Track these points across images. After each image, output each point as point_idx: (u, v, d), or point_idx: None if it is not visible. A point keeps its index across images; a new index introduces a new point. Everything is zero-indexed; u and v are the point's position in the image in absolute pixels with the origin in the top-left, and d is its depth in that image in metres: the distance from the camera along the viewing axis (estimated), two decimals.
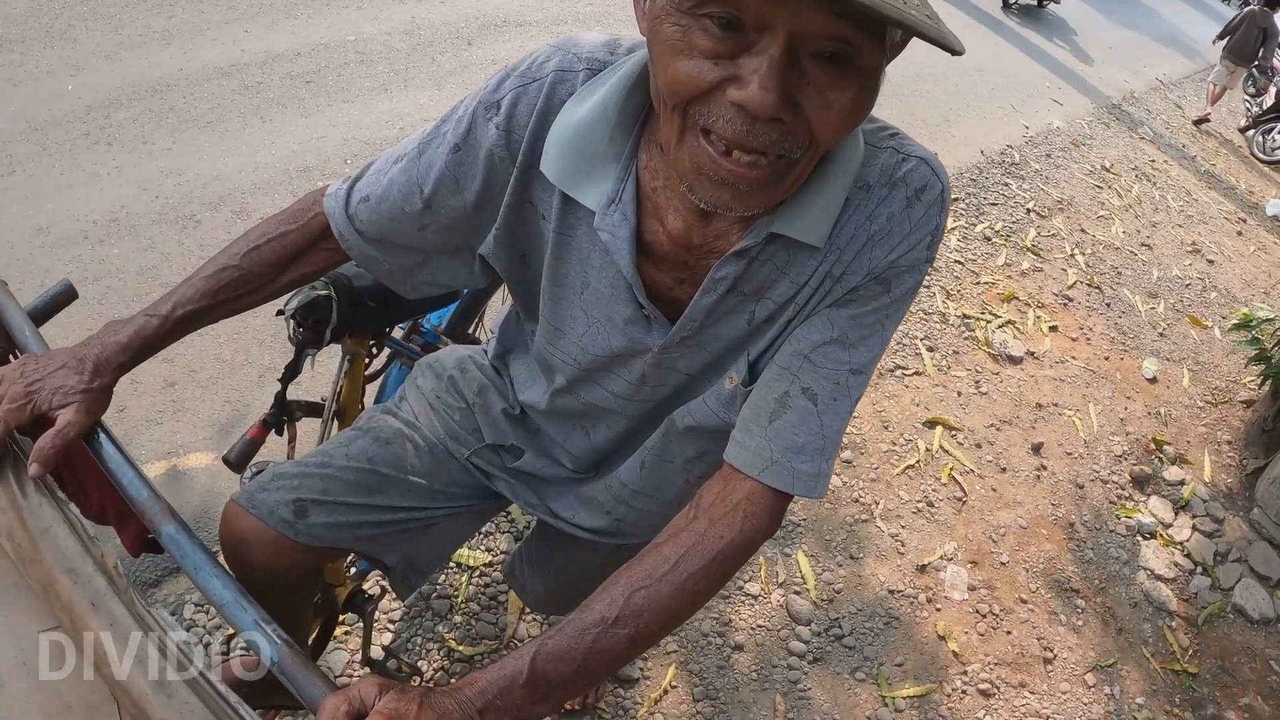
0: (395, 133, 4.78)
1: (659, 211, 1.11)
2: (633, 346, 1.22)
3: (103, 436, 1.17)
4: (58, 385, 1.16)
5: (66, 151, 3.96)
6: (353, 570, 2.13)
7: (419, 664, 2.45)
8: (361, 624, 2.22)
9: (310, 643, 1.97)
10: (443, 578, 2.68)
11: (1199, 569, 3.84)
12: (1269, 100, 12.64)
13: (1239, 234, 8.30)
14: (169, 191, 3.89)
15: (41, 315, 1.32)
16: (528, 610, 2.64)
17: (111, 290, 3.30)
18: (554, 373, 1.38)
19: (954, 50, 0.80)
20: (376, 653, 2.41)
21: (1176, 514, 4.12)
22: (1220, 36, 12.98)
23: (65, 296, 1.36)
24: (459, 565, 2.71)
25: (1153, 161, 9.24)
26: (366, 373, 2.11)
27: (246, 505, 1.41)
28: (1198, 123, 12.06)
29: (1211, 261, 7.27)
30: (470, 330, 2.41)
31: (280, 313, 1.73)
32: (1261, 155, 11.91)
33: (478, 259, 1.28)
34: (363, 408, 2.12)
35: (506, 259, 1.25)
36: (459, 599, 2.63)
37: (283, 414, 1.94)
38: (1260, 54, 12.69)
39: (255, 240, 1.30)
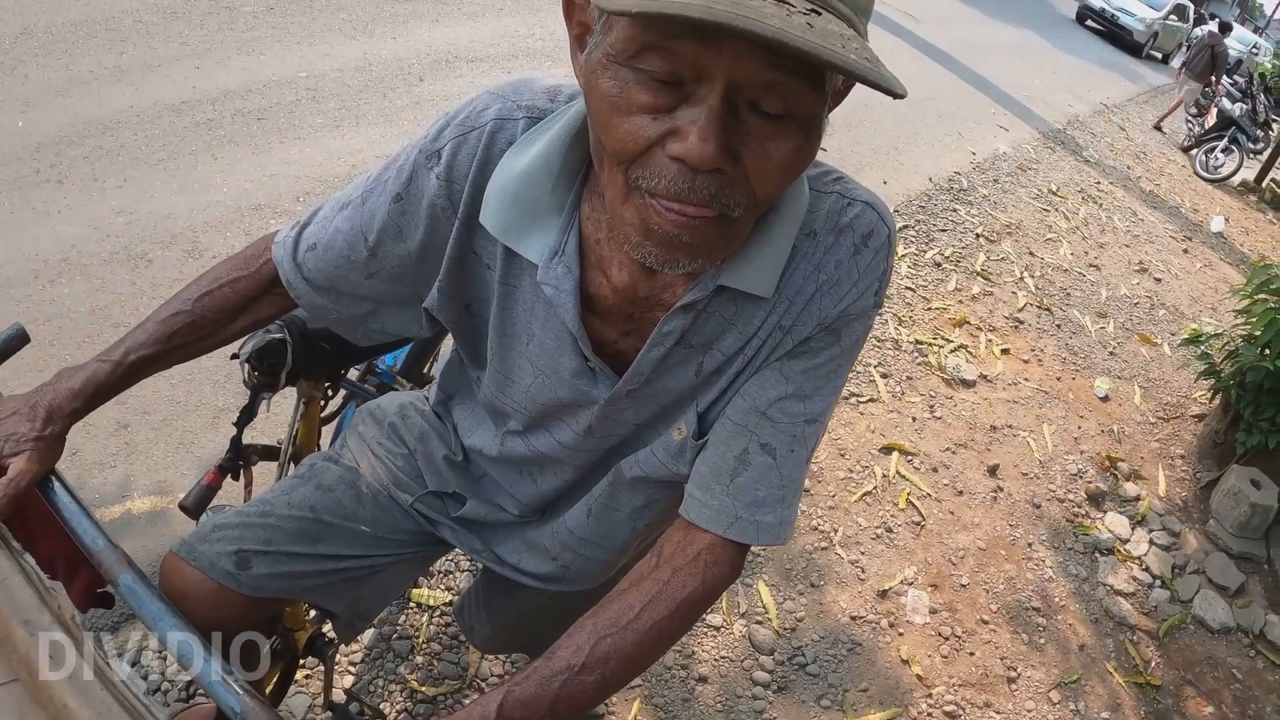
0: (347, 170, 4.77)
1: (603, 264, 1.10)
2: (579, 399, 1.21)
3: (57, 485, 1.15)
4: (9, 433, 1.14)
5: (17, 189, 3.92)
6: (312, 614, 2.09)
7: (381, 706, 2.42)
8: (323, 668, 2.20)
9: (271, 688, 1.94)
10: (403, 617, 2.66)
11: (1158, 582, 3.89)
12: (1210, 121, 12.94)
13: (1185, 251, 8.46)
14: (120, 230, 3.85)
15: None
16: None
17: (63, 331, 3.25)
18: (506, 418, 1.36)
19: (895, 94, 0.77)
20: (338, 696, 2.38)
21: (1133, 529, 4.17)
22: (1183, 66, 13.63)
23: (17, 341, 1.32)
24: (419, 605, 2.69)
25: (1098, 184, 9.43)
26: (322, 414, 2.09)
27: (187, 557, 1.38)
28: (1157, 126, 13.51)
29: (1159, 280, 7.40)
30: (425, 369, 2.40)
31: (235, 356, 1.71)
32: (1204, 174, 12.19)
33: (424, 312, 1.26)
34: (319, 449, 2.11)
35: (451, 310, 1.24)
36: (420, 639, 2.60)
37: (238, 459, 1.91)
38: (1212, 72, 13.17)
39: (208, 286, 1.29)
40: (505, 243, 1.10)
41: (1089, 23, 24.29)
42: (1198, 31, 16.19)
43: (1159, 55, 25.32)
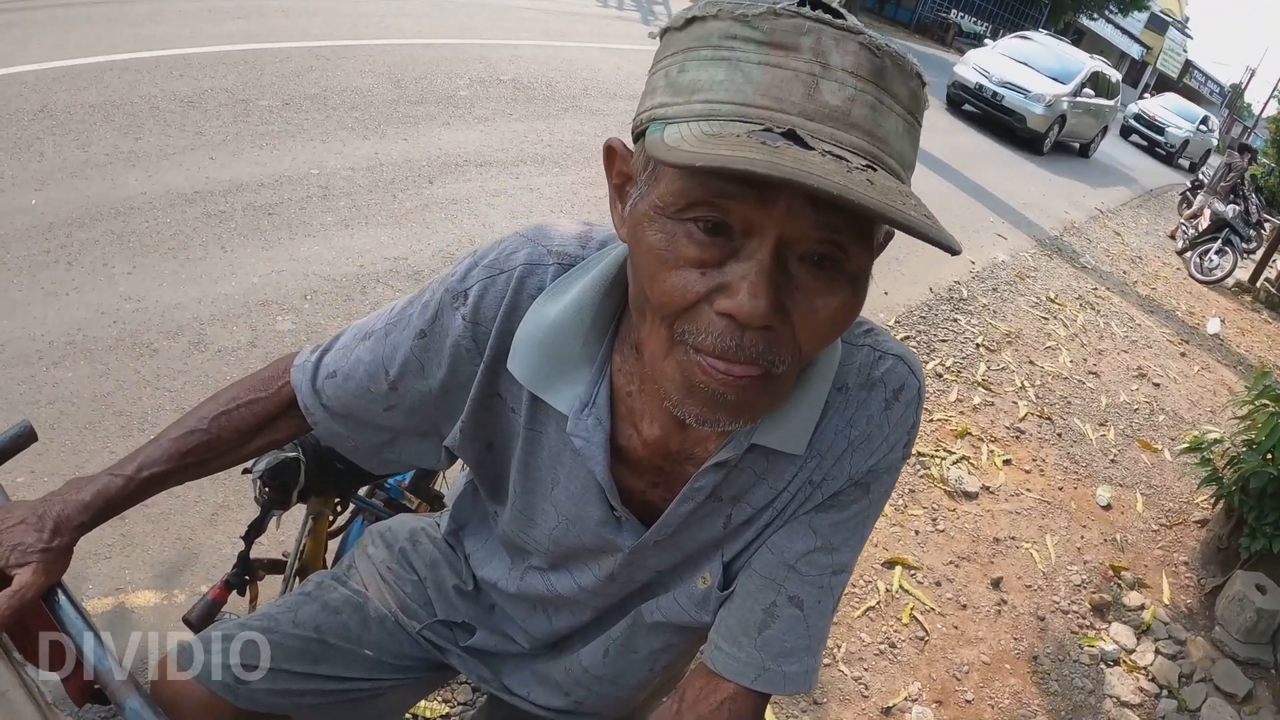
0: (355, 270, 4.80)
1: (634, 417, 1.08)
2: (603, 546, 1.19)
3: (62, 598, 1.13)
4: (15, 542, 1.11)
5: (26, 268, 3.95)
6: None
7: None
8: None
9: None
10: None
11: (1165, 692, 3.85)
12: (1204, 223, 13.09)
13: (1182, 355, 8.51)
14: (127, 317, 3.86)
15: None
16: None
17: (64, 415, 3.22)
18: (527, 555, 1.34)
19: (953, 250, 0.76)
20: None
21: (1139, 639, 4.15)
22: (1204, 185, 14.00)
23: (25, 439, 1.30)
24: (415, 717, 2.65)
25: (1095, 289, 9.51)
26: (330, 529, 2.09)
27: (185, 664, 1.32)
28: (1171, 235, 13.89)
29: (1158, 385, 7.44)
30: (433, 485, 2.37)
31: (247, 471, 1.70)
32: (1199, 276, 12.32)
33: (444, 448, 1.25)
34: (325, 564, 2.11)
35: (472, 450, 1.22)
36: None
37: (245, 573, 1.92)
38: (1233, 191, 13.43)
39: (224, 405, 1.28)
40: (534, 392, 1.08)
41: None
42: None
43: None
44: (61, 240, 4.23)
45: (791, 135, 0.75)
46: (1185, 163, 28.40)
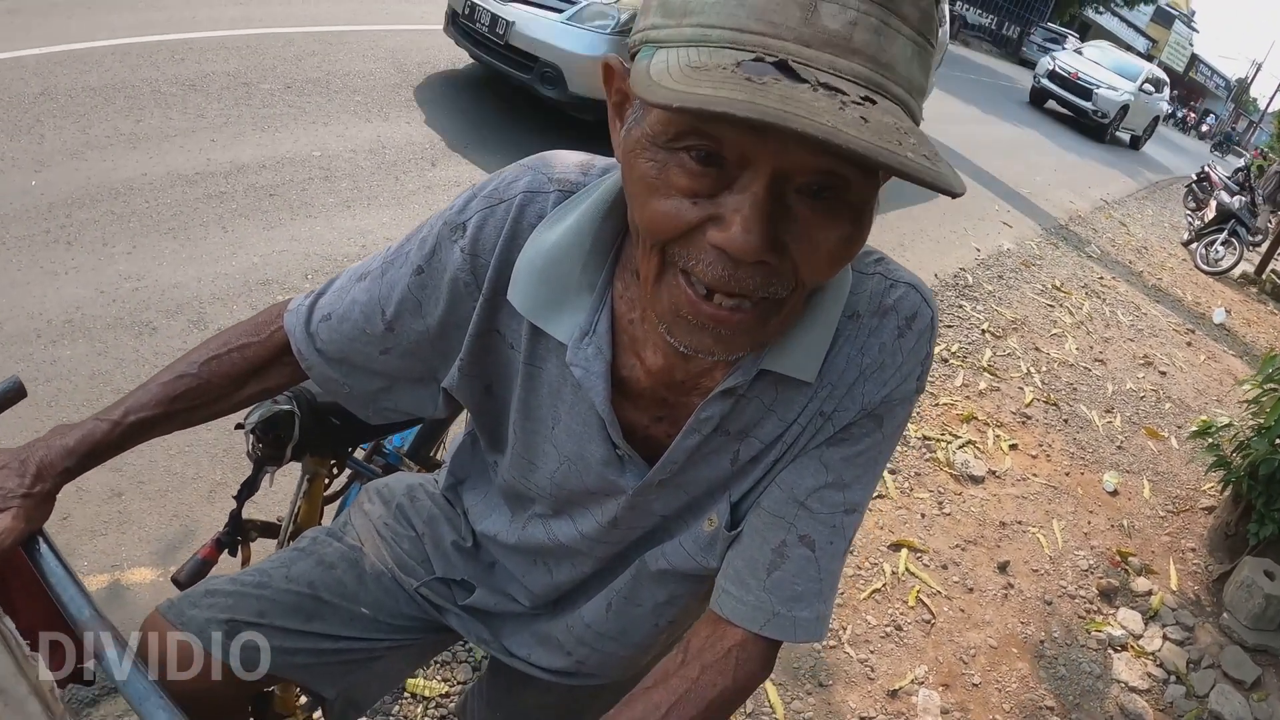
0: (356, 250, 4.79)
1: (636, 345, 1.05)
2: (606, 488, 1.15)
3: (44, 546, 1.09)
4: None
5: (25, 247, 3.94)
6: (303, 700, 1.93)
7: None
8: None
9: None
10: (397, 708, 2.59)
11: (1172, 678, 3.82)
12: (1209, 215, 13.07)
13: (1189, 344, 8.49)
14: (126, 296, 3.85)
15: None
16: None
17: (62, 393, 3.23)
18: (529, 503, 1.30)
19: (953, 193, 0.72)
20: None
21: (1146, 624, 4.12)
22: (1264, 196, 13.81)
23: (14, 394, 1.27)
24: (414, 696, 2.63)
25: (1101, 279, 9.49)
26: (326, 493, 2.04)
27: (174, 620, 1.28)
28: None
29: (1164, 373, 7.42)
30: (433, 453, 2.37)
31: (240, 426, 1.66)
32: (1205, 267, 12.30)
33: (442, 391, 1.22)
34: None
35: (470, 390, 1.19)
36: None
37: (237, 534, 1.86)
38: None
39: (215, 349, 1.24)
40: (533, 321, 1.06)
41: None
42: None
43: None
44: (61, 220, 4.22)
45: (783, 66, 0.70)
46: (1125, 135, 22.77)
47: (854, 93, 0.71)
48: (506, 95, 7.52)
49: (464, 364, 1.15)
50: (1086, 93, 21.13)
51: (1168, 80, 22.54)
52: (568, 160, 1.09)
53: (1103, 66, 22.17)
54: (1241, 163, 15.09)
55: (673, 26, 0.77)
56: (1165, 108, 25.68)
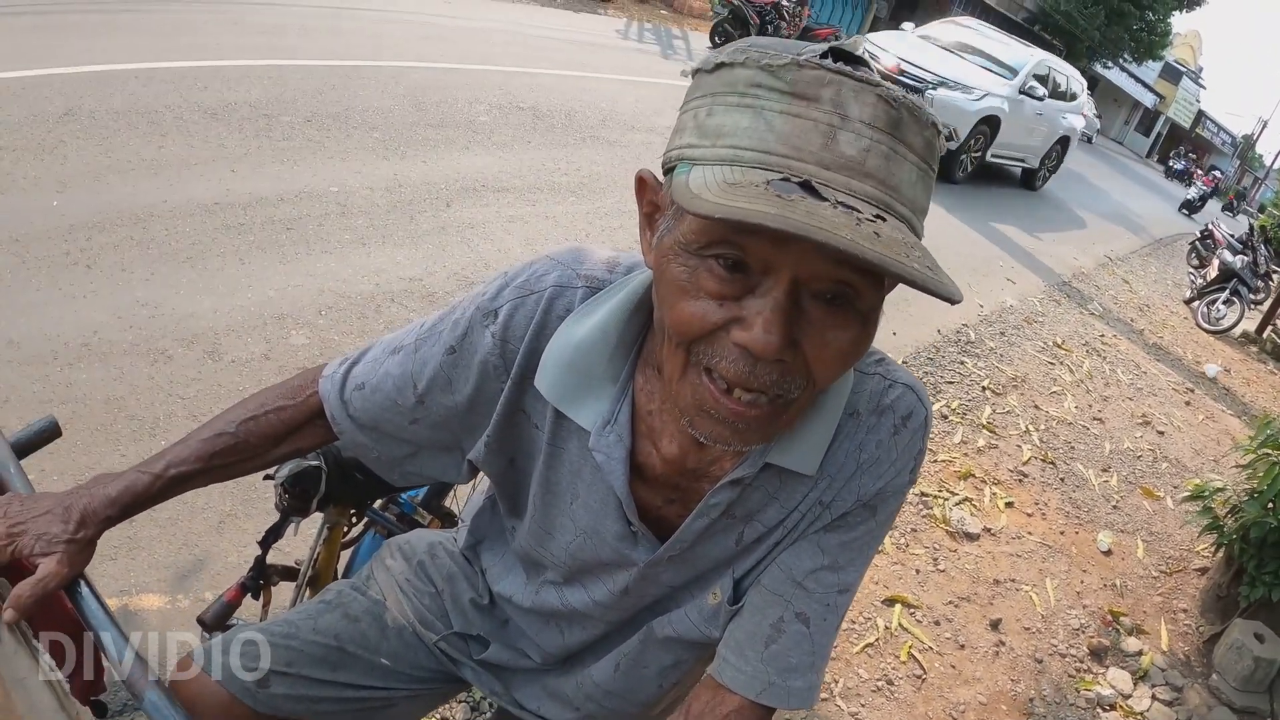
0: (371, 289, 4.84)
1: (654, 435, 1.13)
2: (619, 560, 1.24)
3: (85, 590, 1.15)
4: (41, 531, 1.14)
5: (45, 268, 3.99)
6: None
7: None
8: None
9: None
10: None
11: None
12: (1212, 273, 13.12)
13: (1187, 404, 8.52)
14: (143, 323, 3.91)
15: (23, 449, 1.30)
16: None
17: (77, 416, 3.27)
18: (543, 570, 1.38)
19: (952, 300, 0.82)
20: None
21: (1136, 684, 4.15)
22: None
23: (49, 433, 1.34)
24: None
25: (1102, 336, 9.53)
26: (343, 539, 2.13)
27: (206, 666, 1.35)
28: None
29: (1162, 433, 7.46)
30: (445, 503, 2.41)
31: (269, 478, 1.74)
32: (1207, 325, 12.32)
33: (466, 461, 1.29)
34: (336, 574, 2.15)
35: (496, 464, 1.26)
36: None
37: (260, 577, 1.95)
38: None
39: (253, 410, 1.31)
40: (559, 408, 1.14)
41: None
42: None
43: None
44: (81, 243, 4.29)
45: (807, 186, 0.80)
46: (1000, 162, 14.55)
47: (867, 211, 0.81)
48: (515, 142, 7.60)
49: (490, 440, 1.23)
50: (918, 89, 11.89)
51: (1084, 85, 16.33)
52: (595, 257, 1.18)
53: (963, 55, 13.86)
54: (1247, 222, 15.12)
55: (708, 147, 0.87)
56: (1080, 126, 16.81)
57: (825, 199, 0.79)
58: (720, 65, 0.89)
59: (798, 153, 0.83)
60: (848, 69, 0.84)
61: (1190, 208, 26.39)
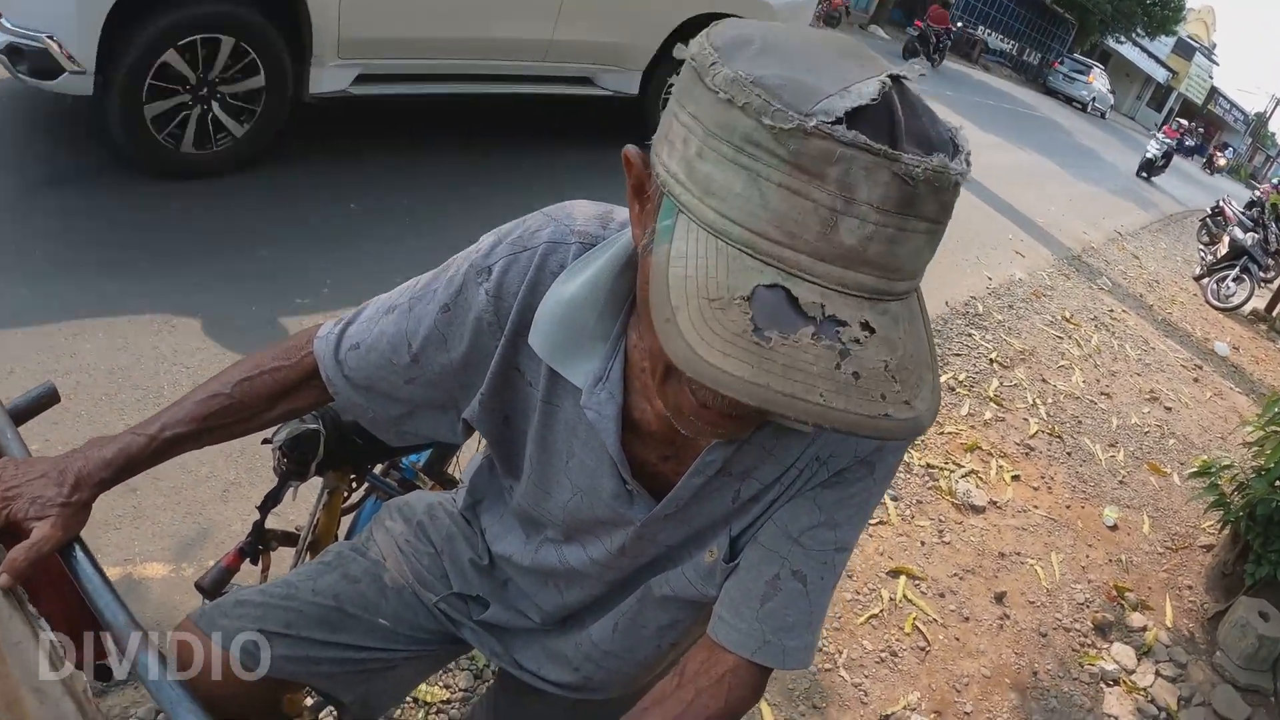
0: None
1: (647, 391, 1.10)
2: (615, 518, 1.23)
3: (79, 553, 1.14)
4: (35, 495, 1.14)
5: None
6: (309, 703, 1.99)
7: None
8: None
9: None
10: (399, 712, 2.64)
11: (1163, 714, 3.85)
12: (1222, 250, 13.06)
13: (1195, 380, 8.50)
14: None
15: (21, 415, 1.29)
16: None
17: (81, 386, 3.27)
18: (541, 528, 1.37)
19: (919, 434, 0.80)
20: None
21: (1139, 660, 4.15)
22: None
23: (48, 399, 1.33)
24: (416, 700, 2.68)
25: (1111, 311, 9.51)
26: (343, 505, 2.11)
27: (205, 629, 1.35)
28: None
29: (1169, 409, 7.44)
30: (447, 469, 2.40)
31: (267, 441, 1.73)
32: (1216, 302, 12.28)
33: (461, 420, 1.28)
34: (337, 539, 2.13)
35: (490, 422, 1.25)
36: None
37: (259, 543, 1.93)
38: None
39: (248, 371, 1.30)
40: (552, 365, 1.12)
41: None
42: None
43: None
44: None
45: (792, 300, 0.75)
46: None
47: (855, 320, 0.76)
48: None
49: (484, 397, 1.21)
50: None
51: None
52: (589, 212, 1.15)
53: None
54: (1253, 195, 14.99)
55: (695, 197, 0.79)
56: None
57: (811, 317, 0.75)
58: (719, 100, 0.78)
59: (791, 239, 0.75)
60: (863, 140, 0.73)
61: (1149, 169, 22.98)
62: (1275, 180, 28.92)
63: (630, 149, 0.95)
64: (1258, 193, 17.73)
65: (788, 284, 0.75)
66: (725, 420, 0.94)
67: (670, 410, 0.97)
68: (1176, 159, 26.96)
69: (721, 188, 0.77)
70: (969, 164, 0.81)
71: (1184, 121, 23.24)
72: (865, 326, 0.76)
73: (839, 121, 0.73)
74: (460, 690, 2.78)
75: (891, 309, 0.79)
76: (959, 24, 27.88)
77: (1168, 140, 23.42)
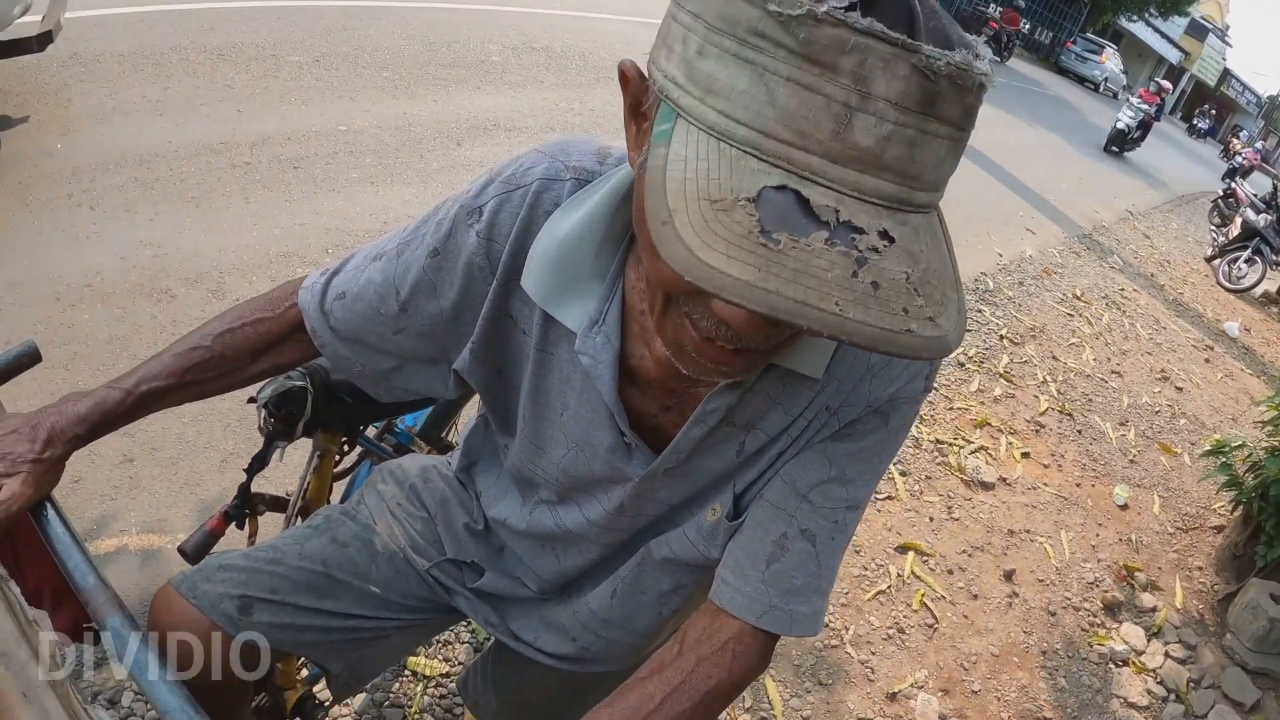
0: (379, 226, 4.77)
1: (646, 336, 1.05)
2: (612, 474, 1.16)
3: (50, 512, 1.10)
4: (5, 451, 1.09)
5: (48, 210, 3.94)
6: (303, 674, 2.00)
7: None
8: None
9: None
10: (396, 685, 2.60)
11: (1172, 696, 3.80)
12: (1234, 231, 12.97)
13: (1206, 361, 8.43)
14: (146, 263, 3.85)
15: (1, 376, 1.25)
16: None
17: (78, 356, 3.23)
18: (536, 489, 1.31)
19: (946, 354, 0.72)
20: None
21: (1149, 641, 4.10)
22: None
23: (28, 358, 1.27)
24: (414, 674, 2.64)
25: (1122, 290, 9.44)
26: (335, 469, 2.03)
27: (187, 594, 1.29)
28: None
29: (1180, 389, 7.37)
30: (445, 434, 2.36)
31: (252, 400, 1.66)
32: (1227, 284, 12.20)
33: (453, 373, 1.22)
34: (328, 505, 2.06)
35: (482, 373, 1.19)
36: (412, 710, 2.54)
37: (245, 507, 1.85)
38: None
39: (230, 323, 1.24)
40: (545, 308, 1.06)
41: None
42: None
43: None
44: (85, 185, 4.22)
45: (803, 201, 0.68)
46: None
47: (873, 229, 0.69)
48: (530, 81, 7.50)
49: (476, 347, 1.15)
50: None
51: None
52: (585, 148, 1.08)
53: None
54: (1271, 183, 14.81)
55: (695, 98, 0.72)
56: None
57: (824, 222, 0.67)
58: None
59: (801, 139, 0.68)
60: (879, 28, 0.65)
61: (1121, 142, 19.65)
62: (1257, 146, 28.51)
63: (626, 61, 0.88)
64: (1240, 159, 17.52)
65: (798, 186, 0.68)
66: (730, 356, 0.86)
67: (671, 348, 0.89)
68: (1182, 138, 26.30)
69: (725, 86, 0.70)
70: (990, 70, 0.72)
71: (1164, 83, 20.42)
72: (884, 236, 0.69)
73: (853, 7, 0.66)
74: (459, 663, 2.73)
75: (912, 220, 0.72)
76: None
77: (1144, 106, 19.72)
